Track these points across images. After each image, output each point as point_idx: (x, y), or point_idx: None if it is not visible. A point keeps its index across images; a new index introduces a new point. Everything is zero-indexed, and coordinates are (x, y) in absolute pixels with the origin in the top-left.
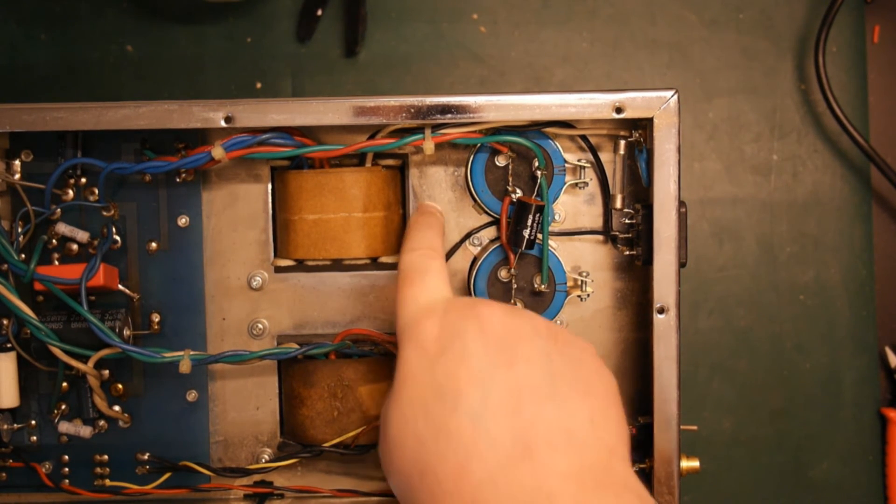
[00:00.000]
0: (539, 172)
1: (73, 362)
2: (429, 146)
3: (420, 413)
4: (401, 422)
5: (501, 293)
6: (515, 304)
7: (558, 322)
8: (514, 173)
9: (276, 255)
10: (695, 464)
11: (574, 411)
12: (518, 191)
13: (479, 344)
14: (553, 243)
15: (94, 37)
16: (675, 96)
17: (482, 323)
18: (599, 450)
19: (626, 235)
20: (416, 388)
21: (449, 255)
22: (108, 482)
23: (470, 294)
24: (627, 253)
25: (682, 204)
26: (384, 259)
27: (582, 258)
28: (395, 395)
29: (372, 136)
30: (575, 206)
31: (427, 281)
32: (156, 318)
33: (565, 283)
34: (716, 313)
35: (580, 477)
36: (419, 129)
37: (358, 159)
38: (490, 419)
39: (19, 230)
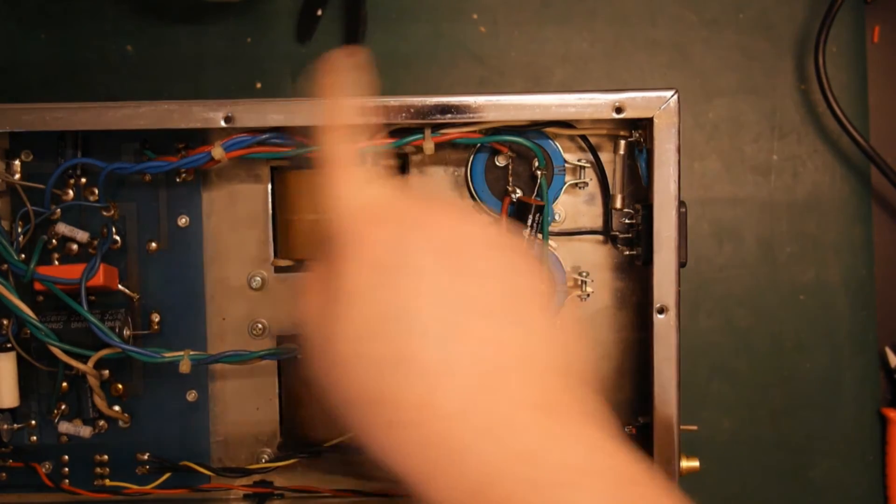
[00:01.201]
0: (539, 172)
1: (73, 362)
2: (429, 146)
3: (377, 336)
4: (354, 344)
5: None
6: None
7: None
8: (514, 173)
9: (276, 255)
10: (695, 464)
11: (537, 332)
12: (518, 191)
13: (433, 259)
14: (553, 243)
15: (94, 37)
16: (675, 96)
17: (433, 234)
18: (561, 373)
19: (626, 235)
20: (369, 308)
21: None
22: (107, 482)
23: None
24: (627, 253)
25: (682, 204)
26: None
27: (582, 258)
28: (345, 313)
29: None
30: (575, 206)
31: (356, 173)
32: (156, 318)
33: (565, 283)
34: (716, 313)
35: (548, 405)
36: (419, 129)
37: None
38: (454, 345)
39: (19, 230)
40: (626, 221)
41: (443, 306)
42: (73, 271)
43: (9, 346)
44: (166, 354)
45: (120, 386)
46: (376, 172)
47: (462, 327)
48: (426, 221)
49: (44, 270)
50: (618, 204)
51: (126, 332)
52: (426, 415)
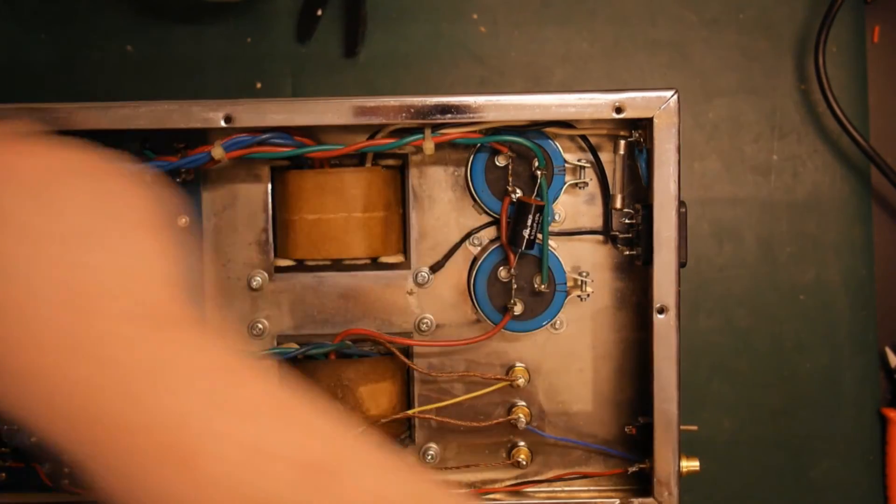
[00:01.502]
0: (539, 172)
1: None
2: (429, 146)
3: None
4: None
5: (501, 293)
6: (515, 303)
7: (558, 322)
8: (513, 173)
9: (276, 255)
10: (695, 464)
11: (127, 250)
12: (518, 191)
13: (15, 195)
14: (553, 243)
15: (94, 37)
16: (675, 96)
17: (15, 170)
18: (156, 286)
19: (626, 235)
20: None
21: (449, 255)
22: None
23: (470, 294)
24: (627, 253)
25: (681, 204)
26: (384, 259)
27: (582, 258)
28: None
29: (372, 136)
30: (575, 206)
31: None
32: None
33: (565, 283)
34: (716, 313)
35: (154, 317)
36: (419, 129)
37: (358, 159)
38: (38, 278)
39: None
40: (626, 221)
41: (23, 244)
42: None
43: None
44: None
45: None
46: None
47: (42, 259)
48: (9, 161)
49: None
50: (618, 204)
51: None
52: (13, 354)
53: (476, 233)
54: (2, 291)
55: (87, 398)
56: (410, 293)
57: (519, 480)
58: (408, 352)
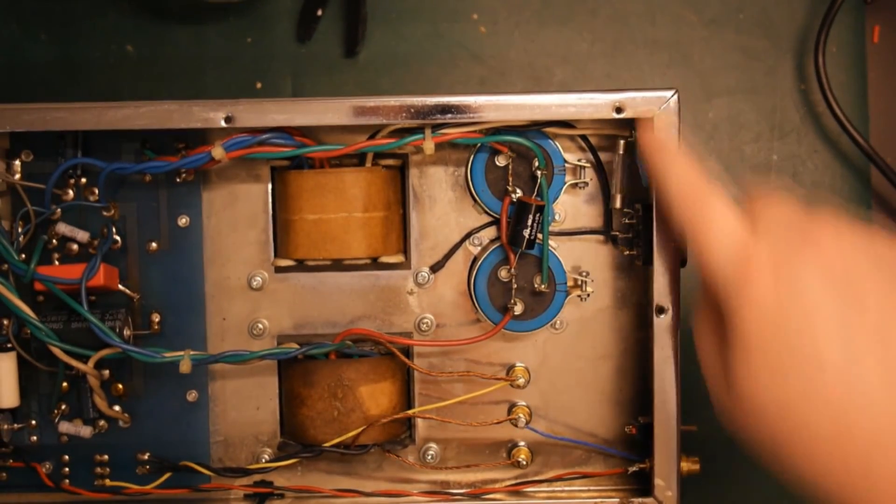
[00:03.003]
0: (539, 172)
1: (74, 362)
2: (429, 146)
3: (778, 378)
4: (757, 388)
5: (501, 293)
6: (515, 303)
7: (558, 322)
8: (514, 173)
9: (276, 255)
10: (695, 464)
11: None
12: (518, 190)
13: (825, 292)
14: (553, 243)
15: (94, 37)
16: (675, 96)
17: (820, 263)
18: None
19: (627, 235)
20: (766, 353)
21: (449, 255)
22: (108, 482)
23: (470, 294)
24: (627, 253)
25: None
26: (384, 259)
27: (582, 258)
28: (742, 360)
29: (372, 136)
30: (575, 205)
31: (720, 209)
32: (156, 318)
33: (565, 283)
34: None
35: None
36: (419, 129)
37: (358, 159)
38: (859, 376)
39: (19, 230)
40: (626, 221)
41: (845, 339)
42: (74, 271)
43: (9, 346)
44: (166, 354)
45: (120, 386)
46: (732, 205)
47: (868, 356)
48: (812, 252)
49: (44, 270)
50: (618, 204)
51: (126, 332)
52: (846, 447)
53: (476, 233)
54: (818, 383)
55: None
56: (411, 293)
57: (519, 480)
58: (408, 352)
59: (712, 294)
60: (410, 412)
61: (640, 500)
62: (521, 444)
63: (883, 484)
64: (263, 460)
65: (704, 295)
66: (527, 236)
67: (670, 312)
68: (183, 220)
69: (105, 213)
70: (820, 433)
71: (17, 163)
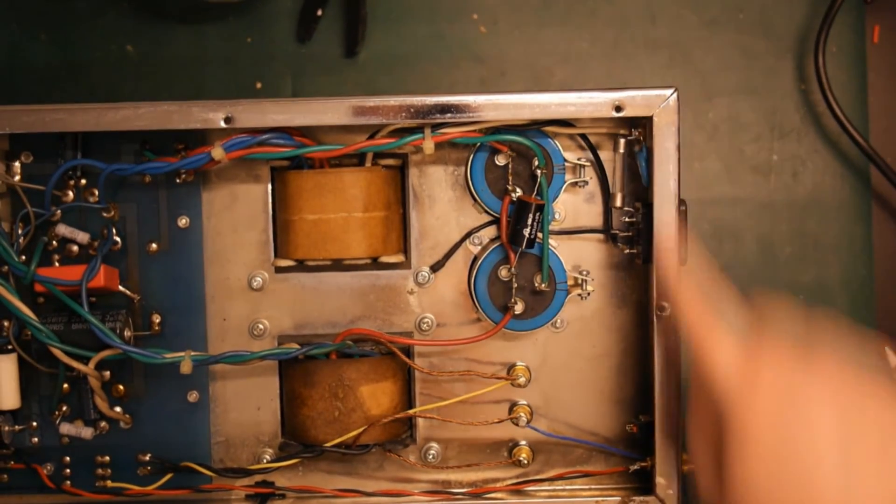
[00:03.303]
0: (539, 171)
1: (74, 363)
2: (429, 145)
3: (773, 479)
4: (754, 483)
5: (502, 292)
6: (516, 302)
7: (559, 321)
8: (513, 172)
9: (276, 256)
10: None
11: None
12: (518, 190)
13: (823, 406)
14: (553, 242)
15: (94, 37)
16: (675, 94)
17: (817, 380)
18: None
19: (627, 234)
20: (764, 454)
21: (449, 254)
22: (109, 483)
23: (470, 293)
24: (628, 251)
25: (682, 202)
26: (384, 259)
27: (582, 257)
28: (738, 456)
29: (372, 136)
30: (575, 204)
31: (724, 338)
32: (156, 318)
33: (566, 282)
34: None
35: None
36: (419, 129)
37: (358, 159)
38: (858, 495)
39: (19, 232)
40: (626, 220)
41: (842, 456)
42: (74, 273)
43: (10, 347)
44: (167, 355)
45: (121, 387)
46: (733, 330)
47: (864, 479)
48: (813, 383)
49: (44, 272)
50: (618, 202)
51: (127, 334)
52: None
53: (476, 232)
54: (817, 486)
55: None
56: (411, 293)
57: (520, 479)
58: (409, 351)
59: (711, 399)
60: (411, 412)
61: (641, 498)
62: (523, 443)
63: None
64: (264, 461)
65: (699, 396)
66: (527, 235)
67: (670, 311)
68: (183, 221)
69: (105, 215)
70: None
71: (17, 164)
